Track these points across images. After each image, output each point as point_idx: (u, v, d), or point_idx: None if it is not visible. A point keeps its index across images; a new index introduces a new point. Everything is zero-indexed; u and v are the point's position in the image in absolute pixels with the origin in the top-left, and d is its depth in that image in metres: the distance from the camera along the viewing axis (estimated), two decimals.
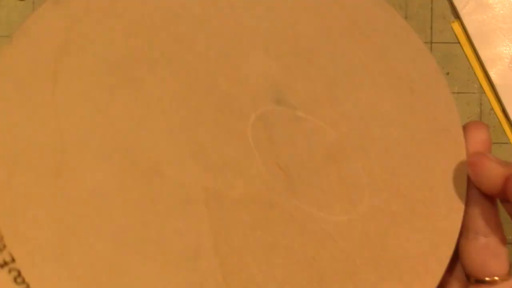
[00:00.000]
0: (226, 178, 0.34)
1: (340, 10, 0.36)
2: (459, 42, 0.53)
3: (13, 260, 0.34)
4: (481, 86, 0.53)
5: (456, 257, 0.35)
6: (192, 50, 0.35)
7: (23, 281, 0.34)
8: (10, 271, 0.34)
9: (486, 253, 0.33)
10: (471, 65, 0.53)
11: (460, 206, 0.34)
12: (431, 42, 0.52)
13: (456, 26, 0.52)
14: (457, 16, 0.52)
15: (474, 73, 0.53)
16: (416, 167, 0.34)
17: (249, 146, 0.34)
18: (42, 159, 0.34)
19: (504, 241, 0.34)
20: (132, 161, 0.34)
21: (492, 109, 0.52)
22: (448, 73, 0.52)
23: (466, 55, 0.53)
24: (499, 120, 0.52)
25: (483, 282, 0.34)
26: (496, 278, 0.33)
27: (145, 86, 0.35)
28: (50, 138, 0.35)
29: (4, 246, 0.34)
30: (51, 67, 0.35)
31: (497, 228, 0.34)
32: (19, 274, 0.34)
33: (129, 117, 0.35)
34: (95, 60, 0.35)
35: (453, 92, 0.51)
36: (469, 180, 0.34)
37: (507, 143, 0.52)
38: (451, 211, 0.34)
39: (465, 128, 0.35)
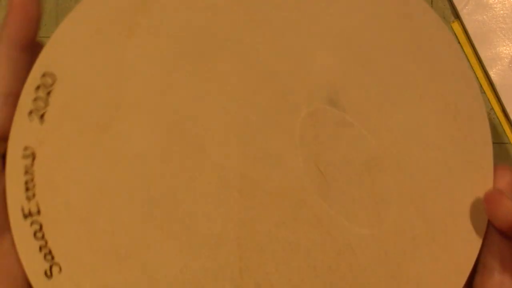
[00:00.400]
0: (265, 169, 0.33)
1: (408, 25, 0.35)
2: (459, 42, 0.53)
3: (38, 212, 0.32)
4: (481, 86, 0.53)
5: None
6: (263, 36, 0.34)
7: (42, 237, 0.32)
8: (32, 223, 0.32)
9: None
10: (471, 65, 0.53)
11: (477, 242, 0.34)
12: None
13: (456, 26, 0.52)
14: (457, 16, 0.51)
15: (474, 73, 0.53)
16: (444, 195, 0.34)
17: (294, 141, 0.33)
18: (95, 111, 0.33)
19: None
20: (180, 133, 0.33)
21: (492, 109, 0.52)
22: None
23: (466, 55, 0.53)
24: (499, 120, 0.52)
25: None
26: None
27: (210, 61, 0.34)
28: (109, 91, 0.33)
29: (34, 195, 0.32)
30: (130, 19, 0.34)
31: None
32: (40, 228, 0.32)
33: (188, 89, 0.33)
34: (172, 23, 0.34)
35: None
36: None
37: (507, 143, 0.52)
38: (469, 245, 0.34)
39: (494, 168, 0.35)
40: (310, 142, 0.33)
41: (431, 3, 0.51)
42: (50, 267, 0.32)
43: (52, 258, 0.32)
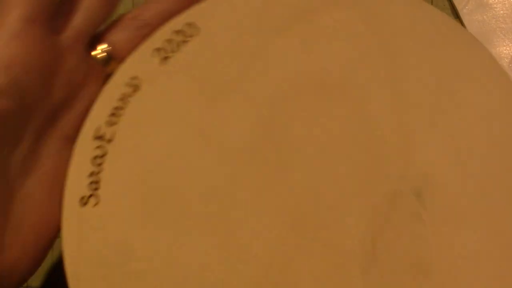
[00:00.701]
0: (327, 219, 0.32)
1: None
2: None
3: (110, 140, 0.31)
4: None
5: None
6: (389, 103, 0.33)
7: (99, 165, 0.31)
8: (98, 147, 0.31)
9: None
10: None
11: None
12: None
13: None
14: (457, 16, 0.50)
15: None
16: None
17: (367, 209, 0.33)
18: (214, 82, 0.32)
19: None
20: (272, 146, 0.32)
21: None
22: None
23: None
24: None
25: None
26: None
27: (329, 101, 0.33)
28: (236, 71, 0.32)
29: (115, 123, 0.31)
30: (290, 23, 0.33)
31: None
32: (103, 156, 0.31)
33: (298, 118, 0.32)
34: (314, 56, 0.33)
35: None
36: None
37: None
38: None
39: None
40: (379, 218, 0.33)
41: (431, 3, 0.50)
42: (89, 196, 0.30)
43: (96, 189, 0.30)
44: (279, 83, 0.32)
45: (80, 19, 0.30)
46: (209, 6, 0.32)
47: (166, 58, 0.31)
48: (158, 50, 0.31)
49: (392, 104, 0.33)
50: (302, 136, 0.32)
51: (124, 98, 0.31)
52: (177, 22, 0.31)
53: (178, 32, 0.31)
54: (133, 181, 0.31)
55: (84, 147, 0.31)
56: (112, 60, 0.31)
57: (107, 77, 0.31)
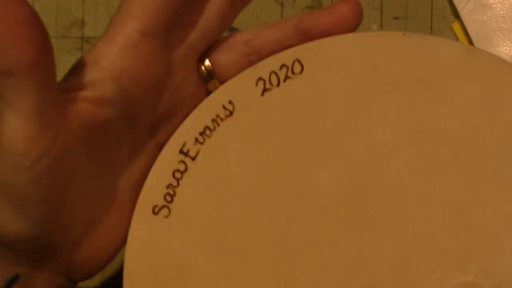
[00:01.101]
0: None
1: None
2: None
3: (193, 158, 0.31)
4: None
5: None
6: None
7: (178, 179, 0.31)
8: (180, 162, 0.31)
9: None
10: None
11: None
12: None
13: (456, 26, 0.50)
14: (457, 16, 0.50)
15: None
16: None
17: None
18: (309, 130, 0.31)
19: None
20: (358, 205, 0.31)
21: None
22: None
23: None
24: None
25: None
26: None
27: (408, 181, 0.31)
28: (332, 113, 0.31)
29: (202, 142, 0.31)
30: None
31: None
32: (183, 171, 0.31)
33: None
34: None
35: None
36: None
37: None
38: None
39: None
40: None
41: (431, 3, 0.50)
42: (162, 206, 0.31)
43: (170, 201, 0.31)
44: (377, 142, 0.31)
45: (195, 36, 0.30)
46: (318, 46, 0.31)
47: (266, 90, 0.31)
48: (261, 80, 0.31)
49: (494, 191, 0.31)
50: (390, 202, 0.31)
51: (216, 120, 0.31)
52: (286, 56, 0.31)
53: (284, 66, 0.31)
54: (206, 204, 0.31)
55: (168, 158, 0.31)
56: (212, 78, 0.31)
57: (206, 93, 0.31)
